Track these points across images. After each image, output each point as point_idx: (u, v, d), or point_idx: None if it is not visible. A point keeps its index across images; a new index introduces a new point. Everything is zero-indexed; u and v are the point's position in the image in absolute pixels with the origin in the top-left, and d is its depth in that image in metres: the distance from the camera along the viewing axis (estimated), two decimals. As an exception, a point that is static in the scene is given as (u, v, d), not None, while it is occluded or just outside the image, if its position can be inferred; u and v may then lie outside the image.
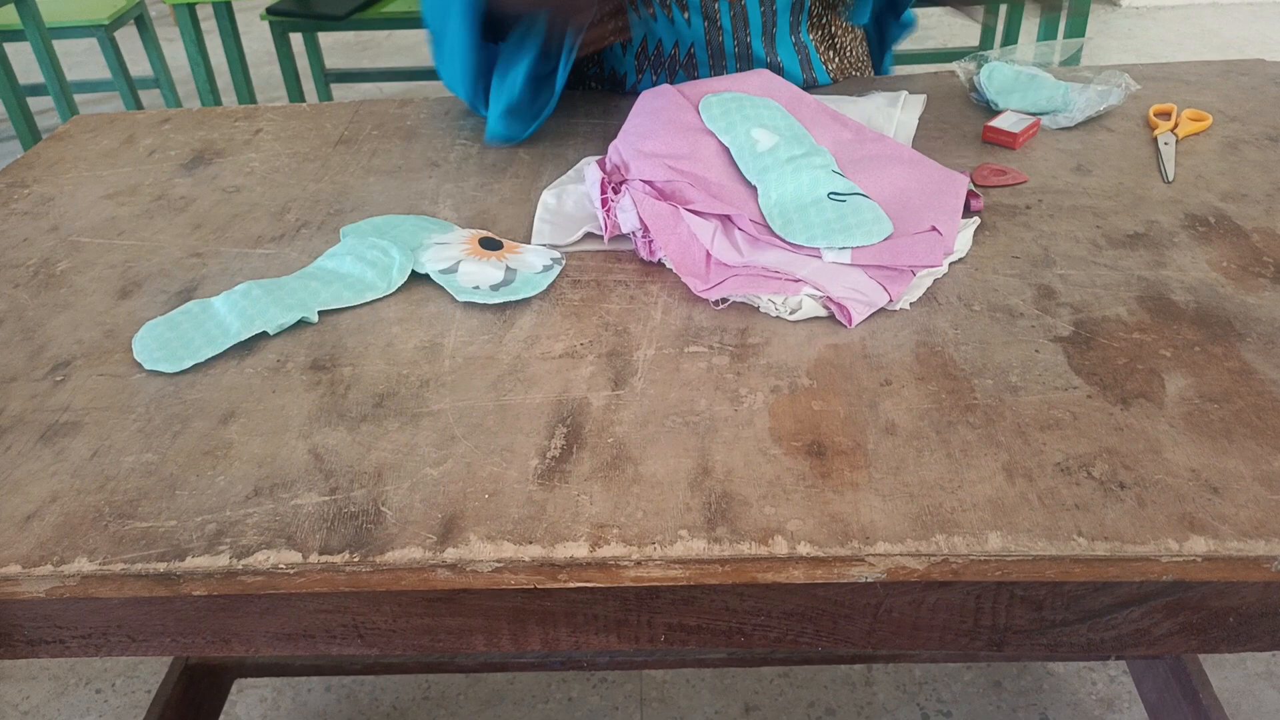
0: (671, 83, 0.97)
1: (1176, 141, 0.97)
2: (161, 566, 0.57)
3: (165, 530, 0.59)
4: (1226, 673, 1.43)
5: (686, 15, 1.08)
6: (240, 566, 0.56)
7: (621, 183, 0.84)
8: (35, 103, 3.28)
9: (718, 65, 1.14)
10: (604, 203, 0.83)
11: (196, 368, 0.73)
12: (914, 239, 0.78)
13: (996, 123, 0.98)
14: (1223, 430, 0.62)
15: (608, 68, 1.18)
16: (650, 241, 0.81)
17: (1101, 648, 0.65)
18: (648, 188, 0.82)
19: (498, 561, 0.56)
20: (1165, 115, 1.02)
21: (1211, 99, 1.07)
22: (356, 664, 1.40)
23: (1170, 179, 0.91)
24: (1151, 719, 1.27)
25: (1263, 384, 0.66)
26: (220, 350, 0.74)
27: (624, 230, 0.82)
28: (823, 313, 0.74)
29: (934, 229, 0.78)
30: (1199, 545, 0.54)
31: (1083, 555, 0.54)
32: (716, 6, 1.08)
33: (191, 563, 0.57)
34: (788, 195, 0.81)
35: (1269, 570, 0.54)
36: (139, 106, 3.04)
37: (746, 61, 1.14)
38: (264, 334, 0.76)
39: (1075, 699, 1.40)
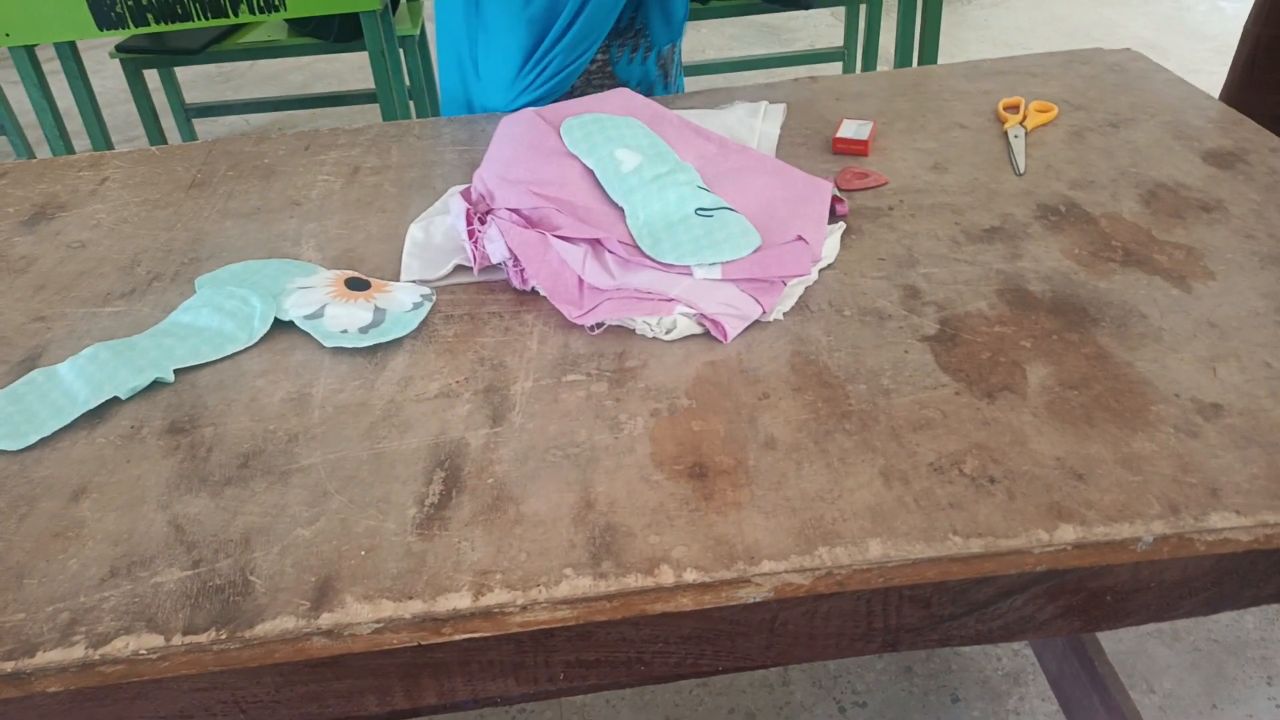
0: None
1: (1026, 134, 1.01)
2: (9, 666, 0.53)
3: (13, 625, 0.55)
4: (1120, 634, 1.49)
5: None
6: (97, 656, 0.53)
7: (488, 212, 0.82)
8: None
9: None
10: (471, 234, 0.81)
11: (44, 442, 0.68)
12: (782, 249, 0.78)
13: (842, 133, 1.00)
14: (1083, 416, 0.64)
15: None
16: (522, 270, 0.79)
17: (990, 636, 0.66)
18: (515, 216, 0.80)
19: (376, 622, 0.54)
20: (1014, 109, 1.06)
21: (1056, 89, 1.12)
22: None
23: (1021, 171, 0.94)
24: (1053, 689, 1.31)
25: (1118, 367, 0.68)
26: (68, 421, 0.69)
27: (493, 261, 0.81)
28: (698, 330, 0.74)
29: (800, 238, 0.79)
30: (1068, 534, 0.56)
31: (959, 554, 0.55)
32: None
33: (43, 658, 0.53)
34: (655, 214, 0.80)
35: (1135, 551, 0.56)
36: (-16, 155, 2.87)
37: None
38: (116, 399, 0.71)
39: (983, 676, 1.44)
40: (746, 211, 0.82)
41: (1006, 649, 1.48)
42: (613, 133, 0.87)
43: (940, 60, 2.46)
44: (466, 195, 0.86)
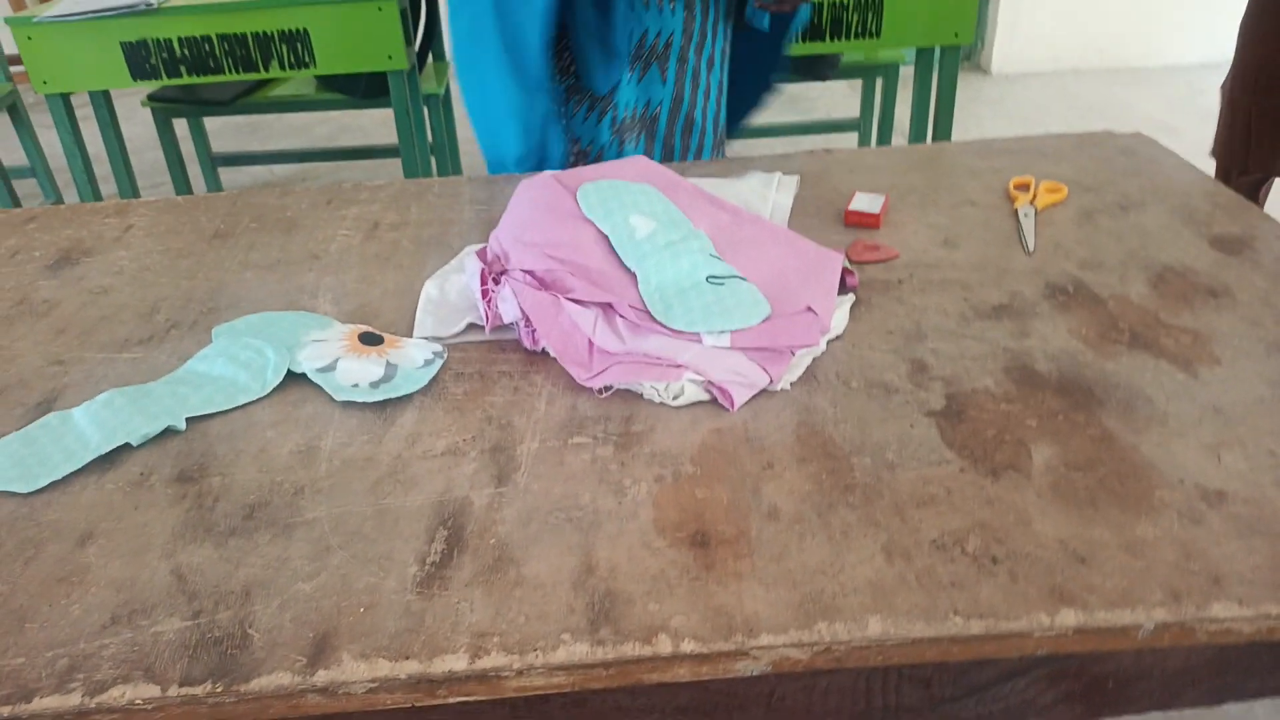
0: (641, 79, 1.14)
1: (1036, 213, 1.02)
2: (5, 711, 0.53)
3: (12, 669, 0.55)
4: None
5: (673, 5, 1.18)
6: (93, 705, 0.53)
7: (502, 273, 0.84)
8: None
9: (684, 52, 1.23)
10: (484, 293, 0.83)
11: (54, 486, 0.69)
12: (791, 319, 0.79)
13: (854, 206, 1.02)
14: (1088, 499, 0.64)
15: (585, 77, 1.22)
16: (534, 331, 0.80)
17: (991, 719, 0.65)
18: (528, 277, 0.82)
19: (372, 681, 0.54)
20: (1024, 187, 1.08)
21: (1067, 170, 1.13)
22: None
23: (1031, 250, 0.95)
24: (1058, 773, 1.29)
25: (1123, 450, 0.68)
26: (79, 465, 0.70)
27: (505, 321, 0.82)
28: (705, 397, 0.75)
29: (809, 309, 0.80)
30: (1069, 618, 0.55)
31: (960, 635, 0.55)
32: None
33: (39, 704, 0.53)
34: (667, 281, 0.82)
35: (1136, 638, 0.56)
36: (13, 197, 2.93)
37: (701, 51, 1.25)
38: (128, 445, 0.72)
39: (986, 756, 1.41)
40: (757, 281, 0.83)
41: (1011, 729, 1.45)
42: (628, 199, 0.88)
43: (954, 134, 2.49)
44: (482, 255, 0.87)
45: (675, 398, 0.74)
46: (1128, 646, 0.56)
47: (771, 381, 0.75)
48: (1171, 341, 0.80)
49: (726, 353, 0.77)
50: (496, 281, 0.83)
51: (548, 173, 0.94)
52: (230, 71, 2.15)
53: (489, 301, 0.82)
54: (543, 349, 0.81)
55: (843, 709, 0.63)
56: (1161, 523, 0.62)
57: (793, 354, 0.78)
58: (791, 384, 0.76)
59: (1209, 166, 1.14)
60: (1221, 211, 1.02)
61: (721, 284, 0.82)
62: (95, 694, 0.53)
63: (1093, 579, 0.58)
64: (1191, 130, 3.73)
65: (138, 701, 0.53)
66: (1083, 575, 0.58)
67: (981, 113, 4.07)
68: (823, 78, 2.73)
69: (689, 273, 0.82)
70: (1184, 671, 0.63)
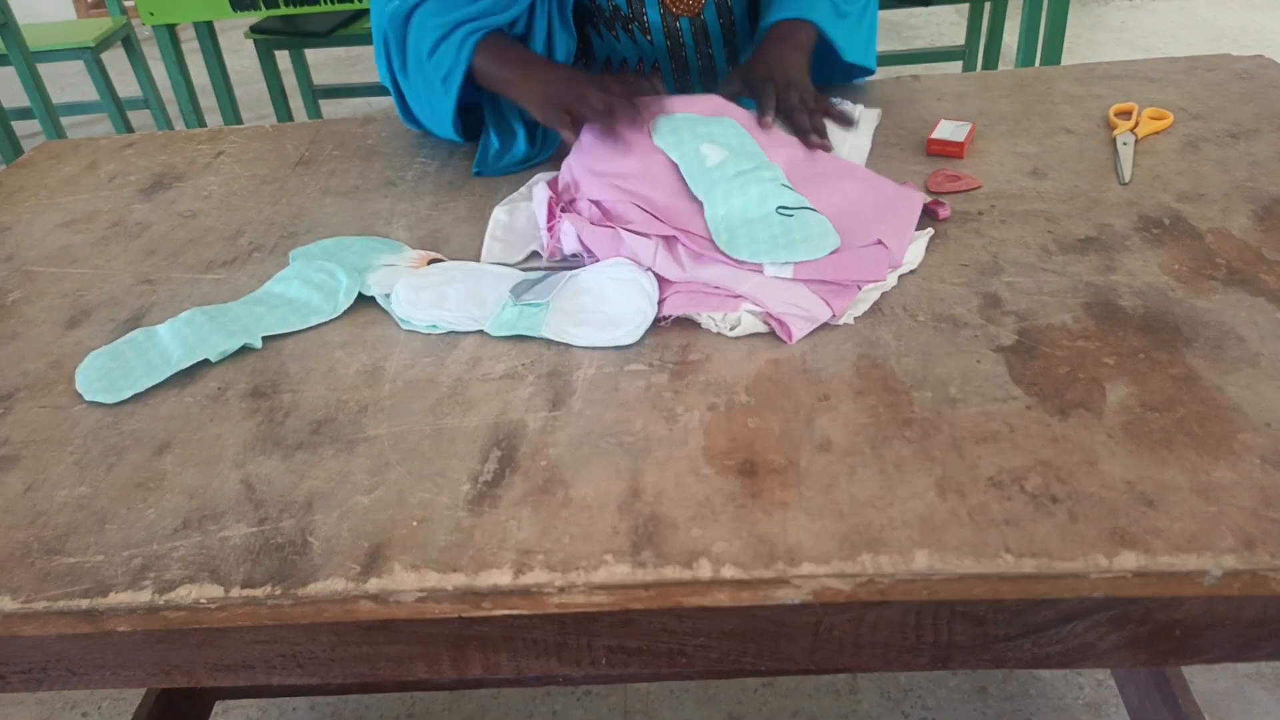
0: None
1: (1136, 141, 0.96)
2: (84, 603, 0.56)
3: (91, 565, 0.59)
4: (1216, 675, 1.41)
5: (649, 36, 1.08)
6: (162, 601, 0.56)
7: (571, 202, 0.83)
8: (24, 126, 3.31)
9: (681, 78, 1.14)
10: (550, 223, 0.83)
11: (137, 397, 0.73)
12: (858, 253, 0.77)
13: (937, 134, 0.97)
14: (1162, 440, 0.61)
15: None
16: (597, 260, 0.80)
17: (1048, 661, 0.63)
18: (594, 208, 0.81)
19: (420, 591, 0.55)
20: (1126, 114, 1.01)
21: (1174, 96, 1.06)
22: (337, 683, 1.39)
23: (1126, 180, 0.90)
24: (1135, 724, 1.25)
25: (1206, 391, 0.65)
26: (161, 379, 0.74)
27: (566, 252, 0.82)
28: (763, 328, 0.73)
29: (879, 242, 0.77)
30: (1129, 560, 0.53)
31: (1010, 573, 0.53)
32: (678, 24, 1.08)
33: (114, 598, 0.56)
34: (735, 210, 0.80)
35: (1201, 585, 0.53)
36: (128, 127, 3.06)
37: (710, 74, 1.14)
38: (207, 361, 0.75)
39: (1062, 704, 1.38)
40: (830, 213, 0.81)
41: (1090, 678, 1.42)
42: (701, 130, 0.86)
43: (1068, 62, 2.36)
44: (553, 184, 0.87)
45: (732, 328, 0.73)
46: (1192, 593, 0.54)
47: (834, 315, 0.73)
48: (1273, 278, 0.75)
49: (788, 284, 0.75)
50: (564, 211, 0.83)
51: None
52: (326, 1, 2.17)
53: (552, 233, 0.82)
54: (606, 277, 0.80)
55: (892, 643, 0.62)
56: (1241, 467, 0.58)
57: (859, 288, 0.75)
58: (856, 318, 0.74)
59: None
60: (1346, 140, 0.94)
61: (791, 215, 0.80)
62: (164, 592, 0.56)
63: (1159, 522, 0.55)
64: (1335, 57, 3.43)
65: (203, 601, 0.56)
66: (1148, 518, 0.56)
67: (1101, 40, 3.84)
68: (926, 2, 2.61)
69: (758, 202, 0.80)
70: (1260, 623, 0.60)
